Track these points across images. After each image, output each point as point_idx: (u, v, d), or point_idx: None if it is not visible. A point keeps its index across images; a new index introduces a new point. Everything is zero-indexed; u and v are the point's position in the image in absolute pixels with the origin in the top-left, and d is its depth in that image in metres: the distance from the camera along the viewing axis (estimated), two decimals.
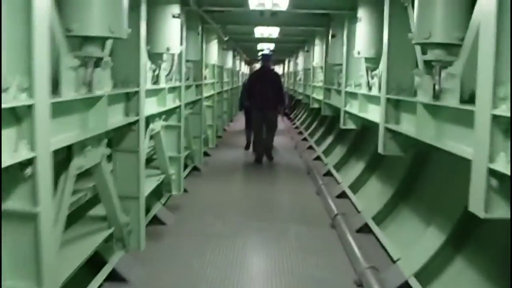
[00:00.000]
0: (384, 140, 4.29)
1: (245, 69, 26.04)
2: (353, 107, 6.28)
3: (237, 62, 19.88)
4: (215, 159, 10.04)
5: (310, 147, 11.45)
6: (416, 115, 3.38)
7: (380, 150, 4.40)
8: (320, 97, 9.68)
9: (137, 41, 4.19)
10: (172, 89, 6.01)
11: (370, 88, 5.45)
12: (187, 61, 7.09)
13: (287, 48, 17.06)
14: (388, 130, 4.30)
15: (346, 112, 6.63)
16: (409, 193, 5.28)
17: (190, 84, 7.57)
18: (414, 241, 4.29)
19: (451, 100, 3.02)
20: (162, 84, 5.34)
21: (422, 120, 3.30)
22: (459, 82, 2.93)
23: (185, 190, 6.84)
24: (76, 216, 4.05)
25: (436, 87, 3.21)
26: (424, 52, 3.44)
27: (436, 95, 3.23)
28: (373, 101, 5.30)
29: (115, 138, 4.27)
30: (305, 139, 13.04)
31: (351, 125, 6.67)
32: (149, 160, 6.20)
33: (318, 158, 9.99)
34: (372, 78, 5.32)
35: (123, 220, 4.18)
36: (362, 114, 5.62)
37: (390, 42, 4.35)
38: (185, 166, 7.92)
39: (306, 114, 16.20)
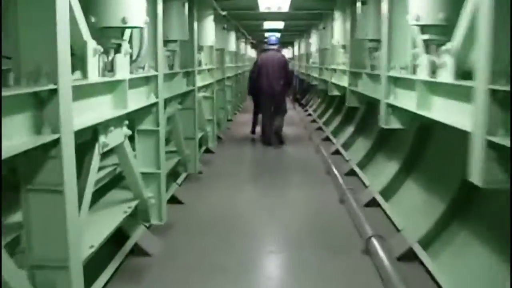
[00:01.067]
0: (483, 161, 2.47)
1: (251, 52, 24.11)
2: (402, 100, 4.43)
3: (242, 45, 17.93)
4: (219, 158, 8.58)
5: (327, 139, 10.13)
6: None
7: (476, 180, 2.56)
8: (343, 83, 7.84)
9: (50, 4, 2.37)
10: (144, 80, 4.25)
11: (433, 72, 3.64)
12: (169, 41, 5.31)
13: (297, 26, 15.33)
14: (490, 143, 2.48)
15: (389, 105, 4.75)
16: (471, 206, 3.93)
17: (175, 72, 5.73)
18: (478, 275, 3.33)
19: None
20: (120, 74, 3.53)
21: None
22: None
23: (179, 202, 5.70)
24: None
25: None
26: None
27: None
28: (442, 93, 3.47)
29: (26, 170, 2.50)
30: (320, 128, 11.60)
31: (396, 125, 4.79)
32: (119, 178, 4.51)
33: (337, 152, 8.62)
34: (439, 56, 3.49)
35: None
36: (423, 112, 3.73)
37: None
38: (178, 175, 6.34)
39: (320, 101, 14.54)
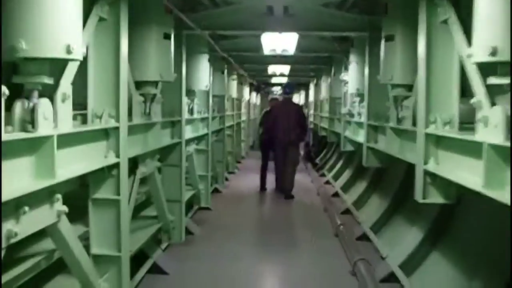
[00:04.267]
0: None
1: (254, 99, 22.16)
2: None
3: (245, 90, 16.10)
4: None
5: (363, 237, 6.30)
6: None
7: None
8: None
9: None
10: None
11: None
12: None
13: (306, 71, 14.73)
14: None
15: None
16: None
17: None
18: None
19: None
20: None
21: None
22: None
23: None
24: None
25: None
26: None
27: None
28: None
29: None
30: (348, 211, 7.72)
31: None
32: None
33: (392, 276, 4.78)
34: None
35: None
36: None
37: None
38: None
39: (343, 163, 10.80)
